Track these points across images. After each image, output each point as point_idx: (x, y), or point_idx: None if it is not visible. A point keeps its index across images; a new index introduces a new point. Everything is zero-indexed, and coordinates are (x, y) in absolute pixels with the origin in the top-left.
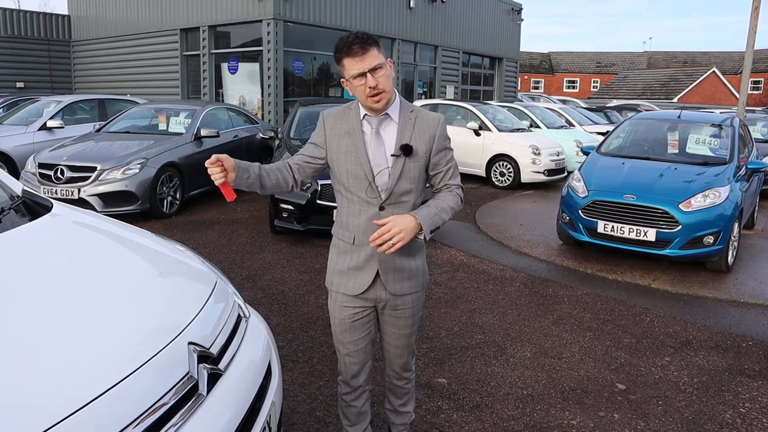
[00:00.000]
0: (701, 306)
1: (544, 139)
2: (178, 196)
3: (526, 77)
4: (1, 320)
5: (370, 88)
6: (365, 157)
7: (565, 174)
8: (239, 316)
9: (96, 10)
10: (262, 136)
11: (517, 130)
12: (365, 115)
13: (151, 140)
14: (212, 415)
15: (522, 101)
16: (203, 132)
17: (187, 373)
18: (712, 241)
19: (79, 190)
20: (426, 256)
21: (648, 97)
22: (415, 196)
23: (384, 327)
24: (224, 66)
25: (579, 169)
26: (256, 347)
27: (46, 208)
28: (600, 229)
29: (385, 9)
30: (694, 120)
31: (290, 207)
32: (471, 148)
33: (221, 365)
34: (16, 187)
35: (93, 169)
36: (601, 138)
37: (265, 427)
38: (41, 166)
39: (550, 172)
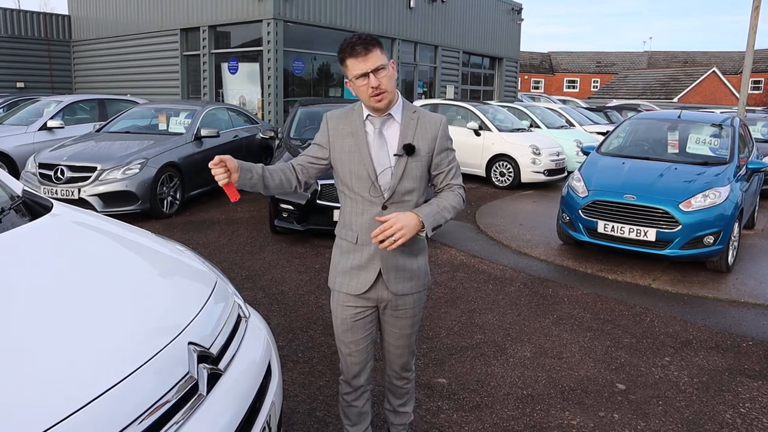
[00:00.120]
0: (701, 306)
1: (544, 139)
2: (178, 196)
3: (526, 77)
4: (1, 320)
5: (372, 88)
6: (368, 157)
7: (565, 174)
8: (239, 316)
9: (96, 10)
10: (262, 136)
11: (517, 130)
12: (368, 115)
13: (152, 140)
14: (212, 415)
15: (522, 101)
16: (203, 132)
17: (187, 373)
18: (712, 241)
19: (79, 190)
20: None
21: (648, 97)
22: (418, 196)
23: (385, 327)
24: (224, 66)
25: (579, 169)
26: (256, 347)
27: (46, 208)
28: (600, 229)
29: (385, 9)
30: (695, 120)
31: (290, 207)
32: (471, 148)
33: (221, 365)
34: (17, 187)
35: (93, 169)
36: (601, 138)
37: (265, 427)
38: (41, 166)
39: (550, 172)
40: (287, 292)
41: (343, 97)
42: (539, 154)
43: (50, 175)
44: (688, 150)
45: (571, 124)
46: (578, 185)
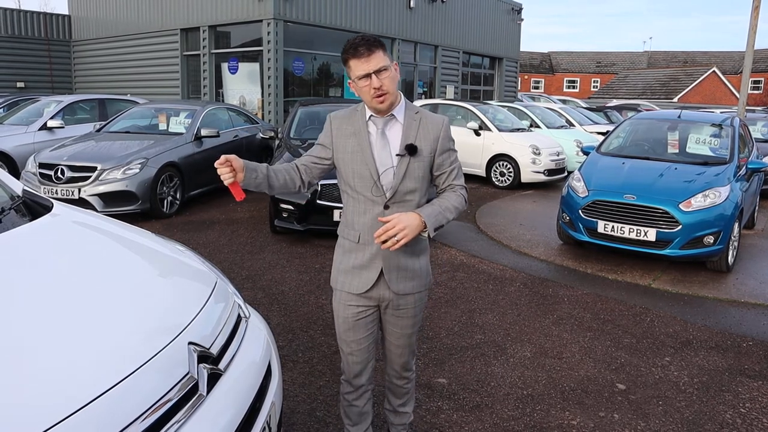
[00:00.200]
0: (701, 306)
1: (544, 139)
2: (178, 196)
3: (526, 77)
4: (1, 320)
5: (374, 89)
6: (371, 157)
7: (565, 174)
8: (239, 316)
9: (96, 10)
10: (262, 136)
11: (517, 130)
12: (371, 116)
13: (152, 140)
14: (212, 415)
15: (522, 101)
16: (203, 132)
17: (187, 373)
18: (712, 241)
19: (79, 190)
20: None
21: (648, 96)
22: (420, 196)
23: (386, 326)
24: (224, 66)
25: (579, 169)
26: (256, 347)
27: (46, 208)
28: (600, 229)
29: (385, 9)
30: (695, 120)
31: (290, 207)
32: (471, 147)
33: (221, 365)
34: (17, 187)
35: (93, 169)
36: (601, 138)
37: (265, 427)
38: (42, 166)
39: (550, 172)
40: (287, 292)
41: (343, 97)
42: (539, 154)
43: (50, 175)
44: (688, 150)
45: (571, 124)
46: (578, 185)
